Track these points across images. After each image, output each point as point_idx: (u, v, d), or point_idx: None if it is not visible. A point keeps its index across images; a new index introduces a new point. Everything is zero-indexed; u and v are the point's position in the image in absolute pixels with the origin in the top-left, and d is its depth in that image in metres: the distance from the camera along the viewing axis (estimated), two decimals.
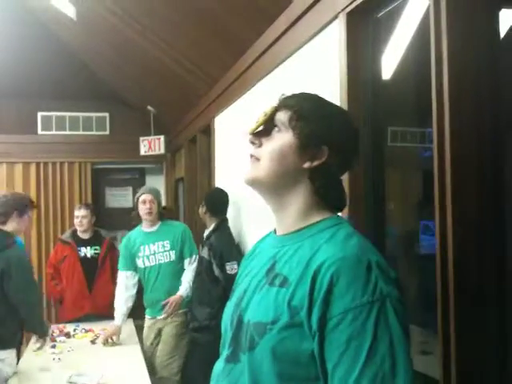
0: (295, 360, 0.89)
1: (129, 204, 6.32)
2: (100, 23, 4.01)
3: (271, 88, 2.68)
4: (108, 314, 3.96)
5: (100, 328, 3.69)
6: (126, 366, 2.95)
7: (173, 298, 3.55)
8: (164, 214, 3.81)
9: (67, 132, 5.90)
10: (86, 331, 3.66)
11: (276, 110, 1.05)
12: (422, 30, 1.65)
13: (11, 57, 5.04)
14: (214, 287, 3.08)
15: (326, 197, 1.03)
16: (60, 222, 5.81)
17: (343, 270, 0.87)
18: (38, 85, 5.41)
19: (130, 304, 3.64)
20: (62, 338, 3.49)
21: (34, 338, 3.16)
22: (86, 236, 4.27)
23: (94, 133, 5.97)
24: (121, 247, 3.76)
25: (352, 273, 0.87)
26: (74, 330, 3.69)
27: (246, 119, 3.17)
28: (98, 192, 6.27)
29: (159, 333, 3.67)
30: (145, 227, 3.67)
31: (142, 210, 3.59)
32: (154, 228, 3.67)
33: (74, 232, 4.31)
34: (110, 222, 5.65)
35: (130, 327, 3.84)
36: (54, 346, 3.29)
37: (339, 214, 1.07)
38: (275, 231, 1.08)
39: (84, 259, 4.18)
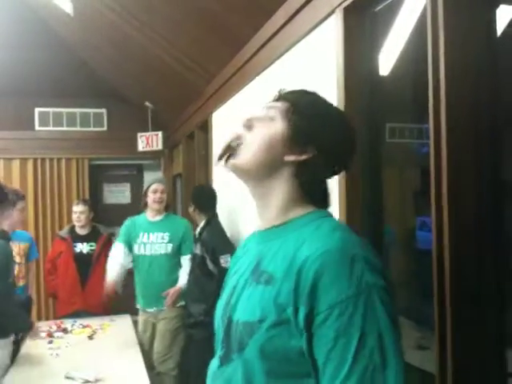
0: (285, 357, 0.89)
1: (127, 200, 6.32)
2: (98, 19, 4.00)
3: (268, 83, 2.67)
4: (99, 312, 3.97)
5: (98, 324, 3.69)
6: (124, 361, 2.95)
7: (173, 290, 3.56)
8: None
9: (64, 128, 5.89)
10: (84, 327, 3.66)
11: (276, 99, 1.08)
12: (419, 25, 1.65)
13: (8, 52, 5.02)
14: (209, 282, 3.08)
15: (309, 192, 1.02)
16: (58, 218, 5.81)
17: (327, 265, 0.86)
18: (36, 80, 5.40)
19: (120, 280, 3.65)
20: (60, 334, 3.49)
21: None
22: (83, 232, 4.26)
23: (91, 129, 5.96)
24: (123, 226, 3.80)
25: (336, 267, 0.86)
26: (72, 325, 3.69)
27: (243, 115, 3.17)
28: (96, 188, 6.26)
29: (154, 328, 3.69)
30: (149, 216, 3.71)
31: (152, 198, 3.63)
32: (158, 218, 3.70)
33: (72, 228, 4.31)
34: (108, 218, 5.64)
35: (127, 323, 3.84)
36: (51, 342, 3.29)
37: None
38: (259, 226, 1.07)
39: (79, 255, 4.17)
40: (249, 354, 0.92)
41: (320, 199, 1.05)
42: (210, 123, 4.01)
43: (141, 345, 3.47)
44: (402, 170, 2.23)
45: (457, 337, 1.27)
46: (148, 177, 6.20)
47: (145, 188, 3.77)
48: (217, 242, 3.14)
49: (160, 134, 5.35)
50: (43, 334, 3.44)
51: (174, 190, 6.11)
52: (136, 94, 5.62)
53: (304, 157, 1.01)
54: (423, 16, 1.48)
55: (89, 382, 2.55)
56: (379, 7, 1.81)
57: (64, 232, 4.37)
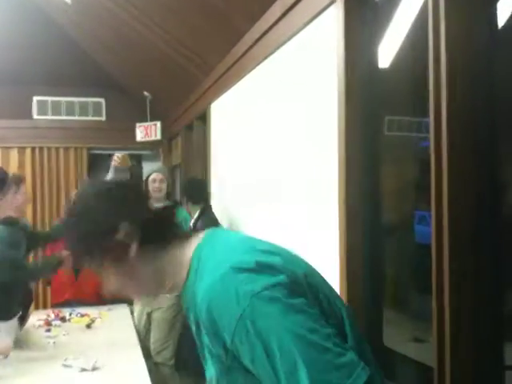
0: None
1: None
2: (96, 7, 3.97)
3: (267, 74, 2.66)
4: (92, 302, 3.97)
5: (96, 313, 3.70)
6: (122, 350, 2.96)
7: None
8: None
9: (63, 117, 5.86)
10: (82, 316, 3.66)
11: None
12: (421, 16, 1.63)
13: (6, 41, 4.99)
14: None
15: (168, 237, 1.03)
16: (55, 208, 5.80)
17: (209, 305, 0.87)
18: (34, 69, 5.36)
19: None
20: (58, 322, 3.49)
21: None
22: None
23: (90, 118, 5.94)
24: None
25: (215, 304, 0.87)
26: (70, 314, 3.70)
27: (242, 105, 3.16)
28: (94, 178, 6.24)
29: (149, 317, 3.70)
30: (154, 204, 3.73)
31: (151, 187, 3.65)
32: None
33: None
34: None
35: (125, 312, 3.85)
36: (49, 330, 3.30)
37: None
38: None
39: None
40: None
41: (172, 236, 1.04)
42: (208, 114, 4.00)
43: (138, 334, 3.49)
44: (400, 164, 2.22)
45: (455, 331, 1.28)
46: (147, 167, 6.18)
47: (144, 178, 3.78)
48: None
49: (158, 124, 5.33)
50: (41, 323, 3.45)
51: (173, 180, 6.11)
52: (135, 84, 5.59)
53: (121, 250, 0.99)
54: (425, 7, 1.47)
55: (86, 370, 2.55)
56: None
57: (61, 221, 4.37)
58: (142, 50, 4.32)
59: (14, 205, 3.04)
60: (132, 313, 3.87)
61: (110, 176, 3.89)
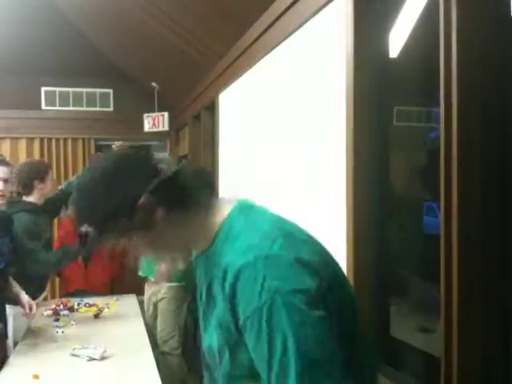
0: (249, 370, 0.91)
1: None
2: None
3: (276, 64, 2.65)
4: (102, 292, 4.00)
5: (104, 303, 3.72)
6: (129, 340, 2.97)
7: (165, 267, 3.59)
8: None
9: (71, 108, 5.87)
10: (90, 305, 3.68)
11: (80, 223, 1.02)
12: (431, 4, 1.61)
13: (15, 32, 4.99)
14: None
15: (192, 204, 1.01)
16: None
17: (236, 279, 0.88)
18: (42, 60, 5.36)
19: None
20: (66, 312, 3.52)
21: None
22: None
23: (97, 109, 5.94)
24: None
25: (242, 281, 0.88)
26: (78, 304, 3.72)
27: (251, 95, 3.14)
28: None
29: (155, 307, 3.73)
30: None
31: None
32: None
33: None
34: None
35: (133, 302, 3.87)
36: (57, 320, 3.32)
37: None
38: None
39: (83, 235, 4.18)
40: (223, 374, 0.97)
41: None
42: (216, 104, 3.99)
43: (146, 324, 3.51)
44: (409, 154, 2.21)
45: (463, 321, 1.27)
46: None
47: None
48: None
49: (166, 114, 5.32)
50: (50, 312, 3.48)
51: None
52: (142, 75, 5.58)
53: (149, 208, 0.97)
54: None
55: (94, 359, 2.57)
56: None
57: (70, 211, 4.39)
58: (149, 41, 4.31)
59: (40, 194, 3.25)
60: (141, 303, 3.89)
61: None
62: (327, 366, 0.82)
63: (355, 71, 1.82)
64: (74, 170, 5.87)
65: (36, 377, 2.34)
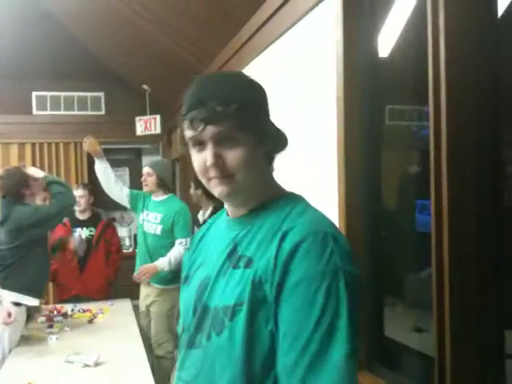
0: (261, 341, 0.90)
1: (125, 184, 6.30)
2: (95, 1, 3.95)
3: (268, 64, 2.64)
4: (98, 297, 3.98)
5: (98, 308, 3.70)
6: (124, 345, 2.96)
7: (145, 266, 3.60)
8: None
9: (62, 112, 5.85)
10: (84, 311, 3.67)
11: (206, 125, 0.95)
12: (420, 5, 1.61)
13: (5, 36, 4.96)
14: None
15: (274, 155, 1.05)
16: None
17: (302, 241, 0.89)
18: (33, 64, 5.34)
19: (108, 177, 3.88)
20: (60, 318, 3.50)
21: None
22: (83, 217, 4.25)
23: (89, 113, 5.92)
24: (138, 191, 3.93)
25: (310, 244, 0.88)
26: (72, 310, 3.70)
27: None
28: (95, 172, 6.23)
29: (148, 310, 3.72)
30: (152, 195, 3.81)
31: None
32: (158, 199, 3.77)
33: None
34: (107, 203, 5.62)
35: (127, 307, 3.86)
36: (51, 326, 3.30)
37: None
38: (227, 213, 1.07)
39: (78, 240, 4.17)
40: (225, 336, 0.93)
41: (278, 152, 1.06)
42: None
43: (141, 329, 3.50)
44: (401, 153, 2.21)
45: (455, 320, 1.27)
46: (146, 161, 6.18)
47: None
48: None
49: (158, 117, 5.31)
50: (43, 318, 3.46)
51: (173, 174, 6.09)
52: (134, 77, 5.57)
53: (270, 141, 1.00)
54: None
55: (88, 366, 2.56)
56: None
57: None
58: (140, 43, 4.29)
59: (34, 196, 3.27)
60: (135, 308, 3.88)
61: (97, 165, 3.95)
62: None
63: (345, 71, 1.82)
64: (67, 175, 5.84)
65: None
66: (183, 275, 1.15)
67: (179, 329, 1.13)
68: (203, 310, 0.99)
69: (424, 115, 1.93)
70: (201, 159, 0.97)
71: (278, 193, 1.04)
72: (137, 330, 3.30)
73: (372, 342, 1.81)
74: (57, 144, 5.85)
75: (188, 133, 0.98)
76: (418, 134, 2.00)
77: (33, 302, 3.18)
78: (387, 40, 1.91)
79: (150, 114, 5.39)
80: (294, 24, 2.25)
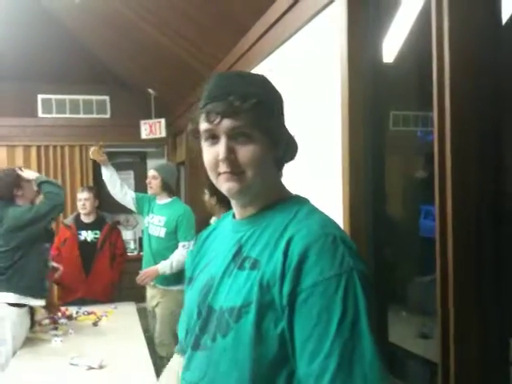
0: (269, 343, 0.89)
1: (130, 188, 6.31)
2: (101, 5, 3.97)
3: (272, 69, 2.65)
4: (103, 300, 4.00)
5: (102, 311, 3.71)
6: (128, 348, 2.97)
7: (146, 270, 3.64)
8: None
9: (68, 115, 5.87)
10: (88, 314, 3.68)
11: (222, 118, 0.95)
12: (424, 11, 1.62)
13: (11, 39, 4.98)
14: None
15: (284, 163, 1.05)
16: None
17: (312, 245, 0.88)
18: (38, 67, 5.37)
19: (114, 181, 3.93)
20: (64, 321, 3.51)
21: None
22: (88, 220, 4.27)
23: (94, 116, 5.94)
24: (146, 195, 3.95)
25: (320, 247, 0.88)
26: (76, 312, 3.71)
27: None
28: (100, 176, 6.23)
29: (154, 312, 3.75)
30: (157, 198, 3.84)
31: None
32: (163, 202, 3.80)
33: (78, 216, 4.32)
34: (112, 206, 5.64)
35: (131, 310, 3.86)
36: (55, 329, 3.32)
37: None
38: (233, 215, 1.07)
39: (83, 243, 4.18)
40: (234, 338, 0.92)
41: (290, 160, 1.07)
42: None
43: (146, 330, 3.51)
44: (406, 158, 2.21)
45: (459, 325, 1.27)
46: (151, 164, 6.19)
47: None
48: None
49: (163, 121, 5.32)
50: (48, 321, 3.47)
51: (178, 177, 6.10)
52: (139, 81, 5.59)
53: (283, 144, 1.01)
54: (428, 2, 1.45)
55: (93, 368, 2.57)
56: None
57: (69, 220, 4.38)
58: (146, 47, 4.31)
59: (25, 198, 3.28)
60: (139, 311, 3.89)
61: (103, 171, 3.99)
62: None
63: (350, 76, 1.82)
64: (72, 178, 5.86)
65: None
66: (187, 277, 1.16)
67: (180, 331, 1.13)
68: (208, 311, 0.99)
69: (428, 121, 1.94)
70: (212, 153, 0.97)
71: (284, 195, 1.04)
72: (141, 332, 3.31)
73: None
74: (62, 147, 5.87)
75: (203, 125, 0.98)
76: (422, 140, 2.00)
77: (35, 302, 3.20)
78: (391, 45, 1.92)
79: (155, 117, 5.41)
80: (298, 29, 2.26)
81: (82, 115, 5.90)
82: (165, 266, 3.58)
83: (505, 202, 1.32)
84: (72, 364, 2.62)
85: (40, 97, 5.80)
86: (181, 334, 1.15)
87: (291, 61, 2.40)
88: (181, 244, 3.66)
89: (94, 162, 5.98)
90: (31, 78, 5.55)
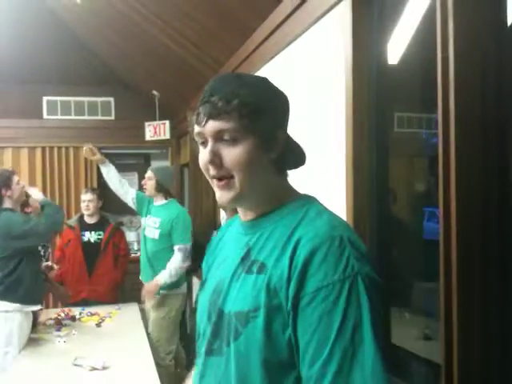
0: (278, 347, 0.89)
1: (134, 189, 6.33)
2: (105, 7, 3.98)
3: (276, 72, 2.66)
4: (107, 301, 4.01)
5: (106, 312, 3.72)
6: (131, 348, 2.97)
7: (146, 286, 3.60)
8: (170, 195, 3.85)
9: (72, 117, 5.89)
10: (92, 314, 3.69)
11: (209, 118, 0.94)
12: (429, 13, 1.62)
13: (16, 41, 5.01)
14: None
15: (286, 168, 1.04)
16: (66, 207, 5.82)
17: (317, 248, 0.87)
18: (43, 69, 5.39)
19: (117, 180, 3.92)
20: (68, 322, 3.52)
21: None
22: (92, 221, 4.28)
23: (99, 117, 5.96)
24: (144, 195, 3.93)
25: (326, 251, 0.87)
26: (80, 313, 3.72)
27: None
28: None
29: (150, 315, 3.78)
30: (154, 200, 3.84)
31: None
32: (158, 204, 3.80)
33: (81, 217, 4.33)
34: (116, 207, 5.65)
35: (135, 311, 3.87)
36: (59, 329, 3.32)
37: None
38: (241, 217, 1.06)
39: (86, 244, 4.20)
40: (243, 343, 0.92)
41: (296, 166, 1.06)
42: None
43: (148, 332, 3.51)
44: (410, 160, 2.21)
45: (463, 327, 1.27)
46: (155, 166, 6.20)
47: None
48: None
49: (167, 122, 5.33)
50: (51, 322, 3.48)
51: (182, 179, 6.11)
52: (143, 83, 5.61)
53: (279, 147, 0.99)
54: (433, 4, 1.45)
55: (96, 369, 2.57)
56: None
57: (72, 221, 4.40)
58: (151, 50, 4.33)
59: (12, 200, 3.25)
60: (142, 312, 3.89)
61: (102, 169, 4.00)
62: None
63: (354, 77, 1.82)
64: (76, 179, 5.88)
65: None
66: (202, 280, 1.15)
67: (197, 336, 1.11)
68: (218, 315, 0.98)
69: (432, 122, 1.94)
70: (202, 156, 0.97)
71: (291, 196, 1.02)
72: (144, 333, 3.32)
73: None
74: (67, 148, 5.90)
75: (195, 128, 0.98)
76: (426, 142, 2.00)
77: (33, 307, 3.20)
78: (396, 47, 1.92)
79: (160, 119, 5.43)
80: (303, 31, 2.26)
81: (86, 117, 5.93)
82: (163, 277, 3.55)
83: (509, 203, 1.31)
84: (75, 365, 2.63)
85: (45, 99, 5.83)
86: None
87: (295, 63, 2.41)
88: (176, 247, 3.62)
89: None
90: (36, 80, 5.58)
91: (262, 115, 0.95)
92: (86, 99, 5.91)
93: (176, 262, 3.56)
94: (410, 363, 1.75)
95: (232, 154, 0.94)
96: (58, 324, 3.44)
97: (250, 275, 0.95)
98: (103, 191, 4.52)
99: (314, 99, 2.22)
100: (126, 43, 4.77)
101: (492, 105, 1.30)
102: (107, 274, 4.14)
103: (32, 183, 5.62)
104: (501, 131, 1.31)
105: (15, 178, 3.27)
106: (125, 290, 4.39)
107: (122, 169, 6.54)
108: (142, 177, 4.04)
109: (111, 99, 5.98)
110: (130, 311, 3.85)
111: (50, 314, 3.72)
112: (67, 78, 5.61)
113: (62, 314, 3.66)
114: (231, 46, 3.23)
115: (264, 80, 1.03)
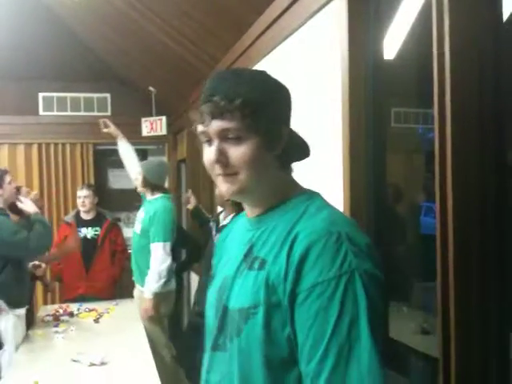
0: (278, 344, 0.89)
1: (131, 185, 6.32)
2: (102, 4, 3.97)
3: (272, 67, 2.66)
4: (104, 296, 4.00)
5: (103, 307, 3.72)
6: (129, 344, 2.98)
7: (143, 308, 3.48)
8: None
9: (69, 113, 5.88)
10: (90, 310, 3.69)
11: (212, 118, 0.94)
12: (425, 8, 1.62)
13: (12, 37, 4.99)
14: None
15: (290, 162, 1.04)
16: (63, 203, 5.82)
17: (313, 244, 0.87)
18: (39, 66, 5.38)
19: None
20: (66, 317, 3.52)
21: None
22: (88, 217, 4.28)
23: (95, 114, 5.94)
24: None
25: (322, 246, 0.87)
26: (78, 309, 3.72)
27: None
28: (101, 173, 6.25)
29: None
30: (145, 195, 3.81)
31: None
32: (148, 198, 3.74)
33: (78, 213, 4.33)
34: (113, 204, 5.65)
35: (132, 306, 3.87)
36: (57, 325, 3.33)
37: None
38: (246, 213, 1.07)
39: (83, 240, 4.19)
40: (244, 340, 0.92)
41: (299, 159, 1.06)
42: None
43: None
44: (407, 155, 2.22)
45: (460, 322, 1.28)
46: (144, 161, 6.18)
47: None
48: None
49: (164, 118, 5.32)
50: (49, 318, 3.48)
51: (179, 175, 6.10)
52: (140, 79, 5.59)
53: (283, 143, 0.99)
54: None
55: (95, 365, 2.58)
56: None
57: (69, 217, 4.40)
58: (147, 45, 4.32)
59: (5, 196, 3.19)
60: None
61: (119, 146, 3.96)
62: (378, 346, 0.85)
63: (350, 72, 1.82)
64: (73, 175, 5.87)
65: (36, 383, 2.35)
66: (211, 276, 1.16)
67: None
68: (224, 311, 0.99)
69: (429, 118, 1.95)
70: (208, 155, 0.98)
71: (294, 192, 1.02)
72: (142, 328, 3.32)
73: None
74: (63, 145, 5.88)
75: (199, 127, 0.98)
76: (423, 137, 2.01)
77: (20, 311, 3.12)
78: (392, 42, 1.92)
79: (156, 115, 5.41)
80: (299, 27, 2.26)
81: (82, 113, 5.91)
82: (149, 286, 3.43)
83: (506, 198, 1.32)
84: (74, 360, 2.63)
85: (41, 95, 5.81)
86: None
87: (291, 58, 2.40)
88: (153, 245, 3.43)
89: (95, 159, 6.02)
90: (32, 76, 5.56)
91: (265, 113, 0.95)
92: (82, 95, 5.90)
93: (155, 265, 3.41)
94: (407, 357, 1.76)
95: (238, 153, 0.94)
96: (56, 320, 3.45)
97: (251, 271, 0.95)
98: (99, 187, 4.52)
99: (310, 94, 2.22)
100: (122, 40, 4.76)
101: (488, 100, 1.31)
102: (105, 270, 4.14)
103: (28, 179, 5.63)
104: (497, 126, 1.32)
105: (7, 178, 3.23)
106: (122, 285, 4.39)
107: (119, 164, 6.56)
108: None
109: (107, 95, 5.96)
110: (128, 307, 3.85)
111: (48, 310, 3.72)
112: (63, 74, 5.59)
113: (60, 310, 3.66)
114: (228, 42, 3.23)
115: (263, 73, 1.03)
